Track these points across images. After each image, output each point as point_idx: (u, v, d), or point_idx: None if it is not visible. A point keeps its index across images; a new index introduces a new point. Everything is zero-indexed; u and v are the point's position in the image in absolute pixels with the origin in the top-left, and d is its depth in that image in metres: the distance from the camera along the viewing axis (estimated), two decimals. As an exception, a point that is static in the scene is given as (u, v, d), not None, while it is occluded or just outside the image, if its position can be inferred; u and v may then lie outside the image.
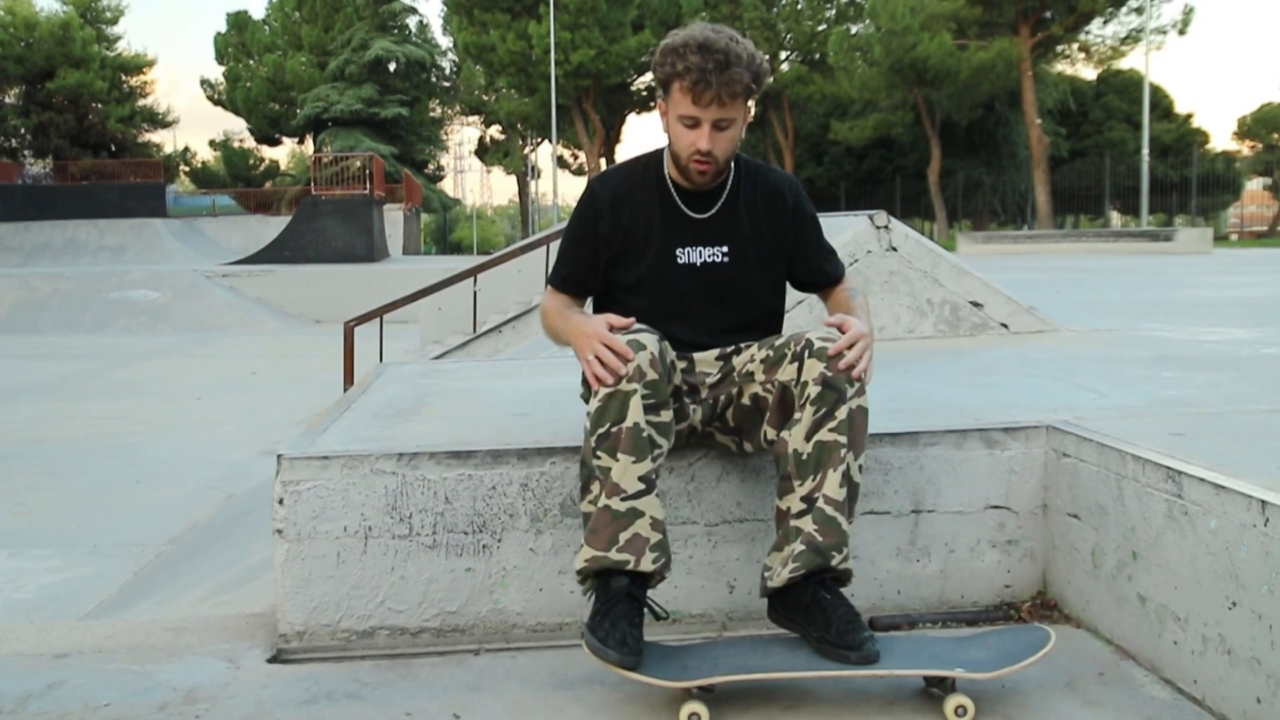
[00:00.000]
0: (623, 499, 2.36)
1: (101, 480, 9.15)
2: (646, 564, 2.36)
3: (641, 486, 2.36)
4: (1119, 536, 2.60)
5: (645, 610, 2.40)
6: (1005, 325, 5.91)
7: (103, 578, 6.51)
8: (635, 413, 2.36)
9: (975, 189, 53.70)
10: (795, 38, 55.22)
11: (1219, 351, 5.25)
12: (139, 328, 23.97)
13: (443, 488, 2.78)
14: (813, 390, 2.43)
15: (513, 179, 73.96)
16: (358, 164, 35.15)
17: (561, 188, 52.97)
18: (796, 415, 2.46)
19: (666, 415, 2.44)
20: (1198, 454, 2.54)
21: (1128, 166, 46.69)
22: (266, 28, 58.78)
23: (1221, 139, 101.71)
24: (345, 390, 9.67)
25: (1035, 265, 19.14)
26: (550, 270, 2.85)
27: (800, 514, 2.44)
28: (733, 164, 2.74)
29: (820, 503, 2.42)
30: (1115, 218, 53.39)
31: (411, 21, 57.20)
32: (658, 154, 2.78)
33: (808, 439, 2.43)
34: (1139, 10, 44.22)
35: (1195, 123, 58.67)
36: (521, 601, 2.82)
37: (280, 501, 2.76)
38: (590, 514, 2.41)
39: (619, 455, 2.36)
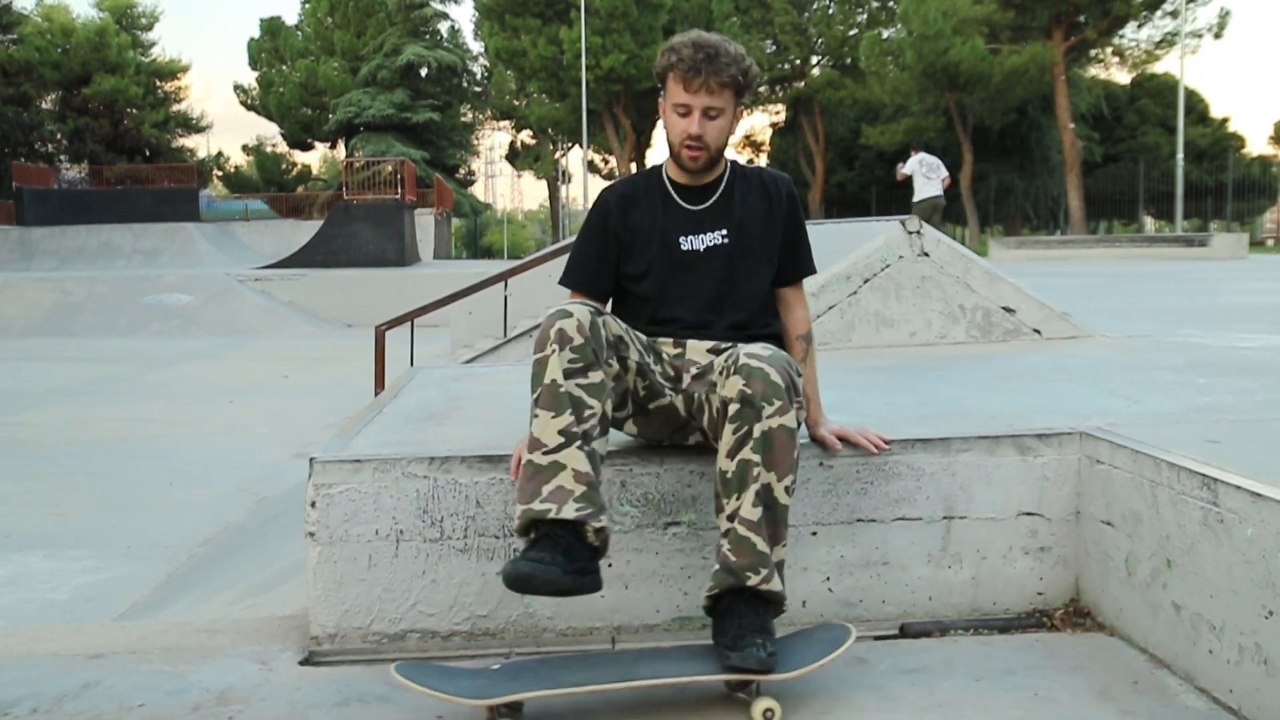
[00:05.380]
0: (544, 453, 2.40)
1: (135, 482, 9.22)
2: (569, 512, 2.34)
3: (561, 440, 2.40)
4: (1153, 544, 2.58)
5: (585, 551, 2.37)
6: (1038, 331, 5.87)
7: (136, 579, 6.55)
8: (553, 371, 2.43)
9: (1008, 194, 53.39)
10: (826, 42, 55.10)
11: (1254, 358, 5.21)
12: (172, 331, 24.12)
13: (474, 491, 2.79)
14: (732, 408, 2.44)
15: (543, 184, 74.12)
16: (389, 169, 35.30)
17: (592, 192, 53.20)
18: (723, 433, 2.48)
19: (597, 376, 2.47)
20: (1233, 461, 2.52)
21: (1162, 171, 46.31)
22: (299, 33, 59.12)
23: (1258, 143, 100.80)
24: (377, 394, 9.72)
25: (1068, 271, 19.02)
26: (563, 272, 2.96)
27: (725, 533, 2.45)
28: (728, 165, 2.90)
29: (735, 523, 2.42)
30: (1149, 223, 52.92)
31: (443, 27, 57.38)
32: (658, 165, 2.97)
33: (730, 457, 2.44)
34: (1174, 14, 43.88)
35: (1231, 127, 58.24)
36: (552, 606, 2.82)
37: (313, 504, 2.77)
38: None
39: (539, 412, 2.43)
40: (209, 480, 9.27)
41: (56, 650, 2.87)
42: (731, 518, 2.43)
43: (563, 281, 2.95)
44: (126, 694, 2.55)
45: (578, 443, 2.40)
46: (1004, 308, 5.86)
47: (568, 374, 2.43)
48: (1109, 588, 2.80)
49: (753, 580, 2.41)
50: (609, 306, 2.94)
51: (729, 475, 2.43)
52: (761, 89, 57.73)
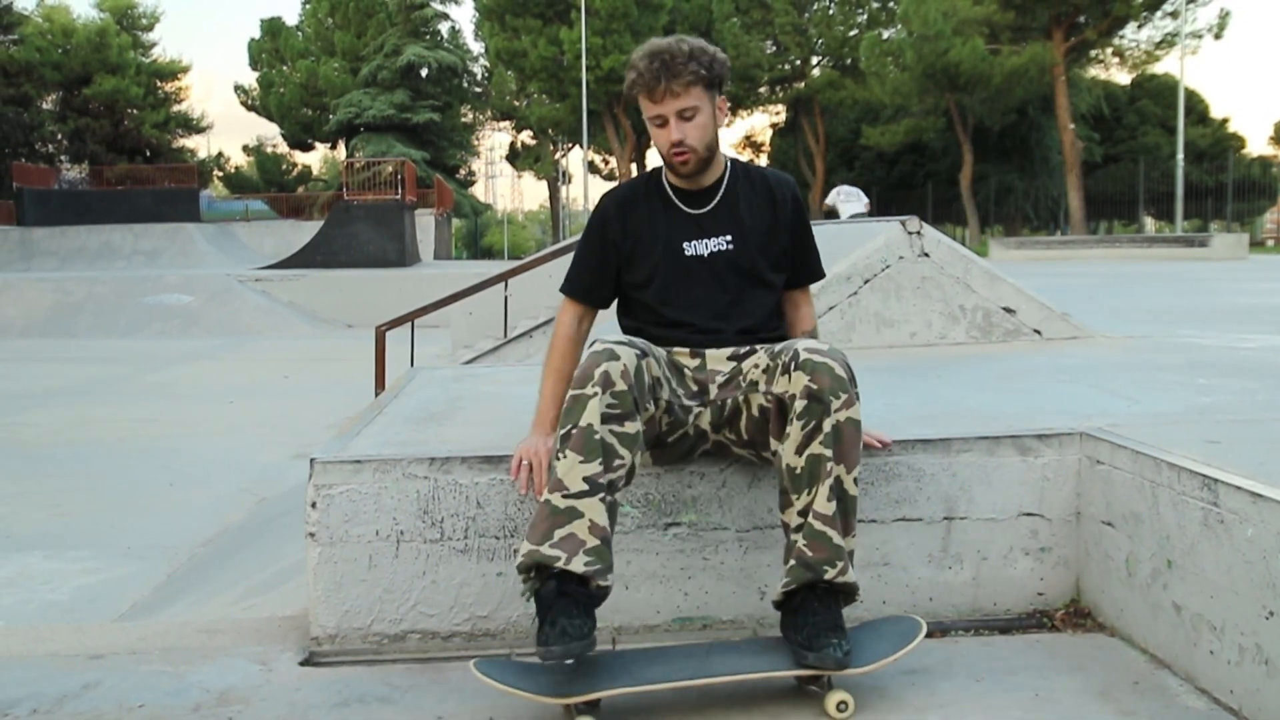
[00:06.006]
0: (564, 496, 2.37)
1: (135, 483, 9.22)
2: (578, 565, 2.32)
3: (585, 487, 2.37)
4: (1154, 544, 2.58)
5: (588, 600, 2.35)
6: (1038, 331, 5.87)
7: (137, 579, 6.55)
8: (590, 415, 2.39)
9: (1008, 194, 53.42)
10: (827, 43, 55.15)
11: (1255, 358, 5.20)
12: (172, 331, 24.13)
13: (474, 492, 2.79)
14: (799, 404, 2.44)
15: (544, 184, 74.16)
16: (389, 169, 35.31)
17: (592, 193, 53.24)
18: (787, 429, 2.48)
19: (633, 427, 2.44)
20: (1234, 461, 2.52)
21: (1162, 172, 46.32)
22: (300, 34, 59.11)
23: (1258, 144, 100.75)
24: (377, 394, 9.72)
25: (1068, 271, 19.03)
26: (564, 279, 2.95)
27: (798, 529, 2.46)
28: (728, 165, 2.87)
29: (810, 518, 2.43)
30: (1149, 223, 52.93)
31: (444, 27, 57.34)
32: (658, 168, 2.93)
33: (799, 453, 2.44)
34: (1174, 14, 43.93)
35: (1231, 127, 58.24)
36: (552, 606, 2.82)
37: (313, 505, 2.77)
38: None
39: (568, 453, 2.39)
40: (209, 481, 9.27)
41: (57, 651, 2.87)
42: (804, 513, 2.43)
43: (563, 289, 2.93)
44: (127, 694, 2.55)
45: (601, 493, 2.37)
46: (1004, 308, 5.86)
47: (605, 419, 2.40)
48: (1109, 588, 2.80)
49: (830, 574, 2.41)
50: (614, 309, 2.95)
51: (798, 471, 2.44)
52: (762, 89, 57.82)
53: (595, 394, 2.40)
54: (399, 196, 32.91)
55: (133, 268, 32.45)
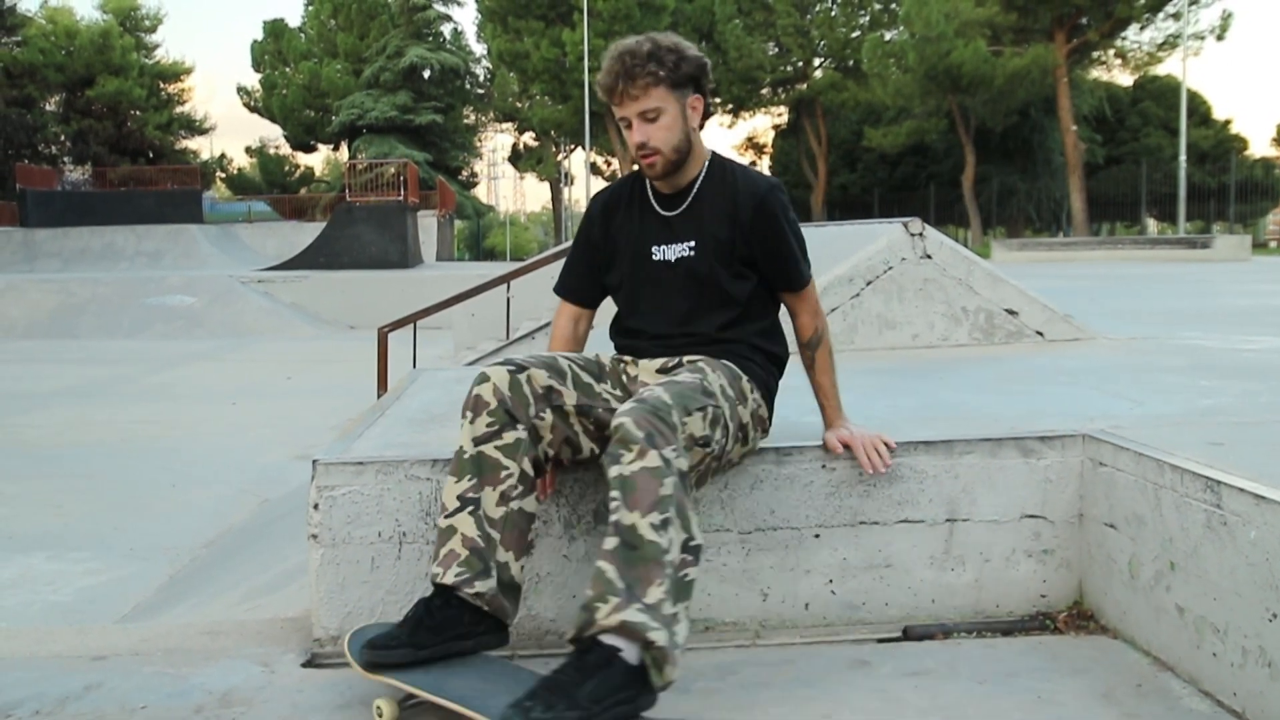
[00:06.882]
0: (444, 517, 2.48)
1: (138, 484, 9.22)
2: (449, 577, 2.41)
3: (457, 505, 2.46)
4: (1157, 546, 2.58)
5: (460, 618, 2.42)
6: (1040, 333, 5.87)
7: (139, 580, 6.55)
8: (462, 439, 2.51)
9: (1010, 196, 53.37)
10: (829, 44, 55.11)
11: (1258, 360, 5.20)
12: (175, 332, 24.13)
13: (476, 493, 2.78)
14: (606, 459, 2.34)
15: (546, 185, 74.01)
16: (392, 170, 35.27)
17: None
18: None
19: (512, 435, 2.49)
20: (1237, 463, 2.51)
21: (1164, 173, 46.26)
22: (302, 35, 59.16)
23: (1260, 145, 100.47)
24: (379, 396, 9.72)
25: (1070, 272, 19.00)
26: (556, 279, 3.01)
27: None
28: (706, 165, 2.80)
29: (597, 560, 2.26)
30: (1152, 225, 52.88)
31: (446, 29, 57.37)
32: None
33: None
34: (1176, 16, 43.87)
35: (1233, 129, 58.20)
36: (555, 608, 2.82)
37: (315, 506, 2.77)
38: None
39: (446, 479, 2.52)
40: (211, 482, 9.27)
41: (59, 652, 2.87)
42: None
43: (555, 289, 3.00)
44: (129, 696, 2.55)
45: (470, 508, 2.45)
46: (1006, 310, 5.86)
47: (482, 439, 2.48)
48: (1112, 590, 2.80)
49: (602, 611, 2.15)
50: (616, 309, 2.95)
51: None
52: (764, 91, 57.79)
53: (468, 419, 2.51)
54: (401, 198, 32.88)
55: (135, 269, 32.47)
